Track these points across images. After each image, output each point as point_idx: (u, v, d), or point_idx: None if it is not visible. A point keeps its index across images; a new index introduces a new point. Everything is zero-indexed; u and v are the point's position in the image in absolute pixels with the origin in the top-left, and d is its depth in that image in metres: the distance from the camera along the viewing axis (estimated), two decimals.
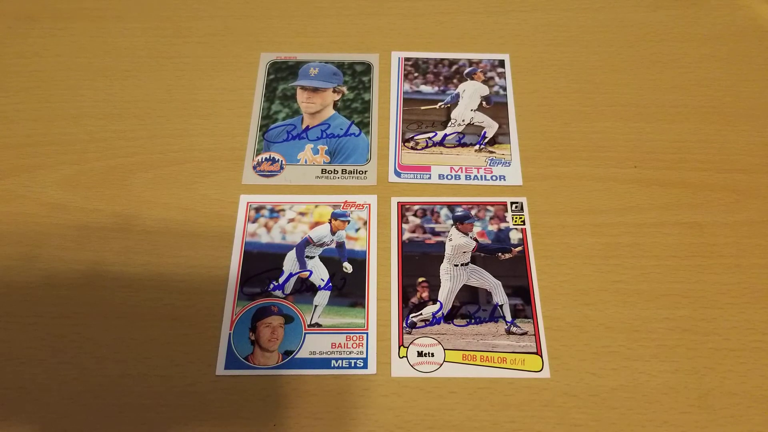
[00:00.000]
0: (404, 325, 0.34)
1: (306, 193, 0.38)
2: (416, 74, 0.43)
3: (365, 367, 0.32)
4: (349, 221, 0.37)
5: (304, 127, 0.41)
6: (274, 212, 0.37)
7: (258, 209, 0.37)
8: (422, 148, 0.40)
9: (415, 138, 0.40)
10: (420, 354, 0.33)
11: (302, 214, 0.37)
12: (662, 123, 0.41)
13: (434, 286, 0.35)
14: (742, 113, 0.41)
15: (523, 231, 0.37)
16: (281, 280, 0.35)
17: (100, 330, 0.33)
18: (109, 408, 0.31)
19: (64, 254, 0.35)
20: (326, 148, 0.40)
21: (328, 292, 0.35)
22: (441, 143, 0.40)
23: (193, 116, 0.41)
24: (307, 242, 0.36)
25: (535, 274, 0.35)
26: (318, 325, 0.34)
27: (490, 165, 0.39)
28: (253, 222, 0.37)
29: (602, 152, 0.40)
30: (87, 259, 0.35)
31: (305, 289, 0.35)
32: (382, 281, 0.35)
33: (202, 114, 0.41)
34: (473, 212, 0.37)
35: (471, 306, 0.34)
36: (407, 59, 0.44)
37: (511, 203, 0.38)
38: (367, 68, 0.43)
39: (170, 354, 0.33)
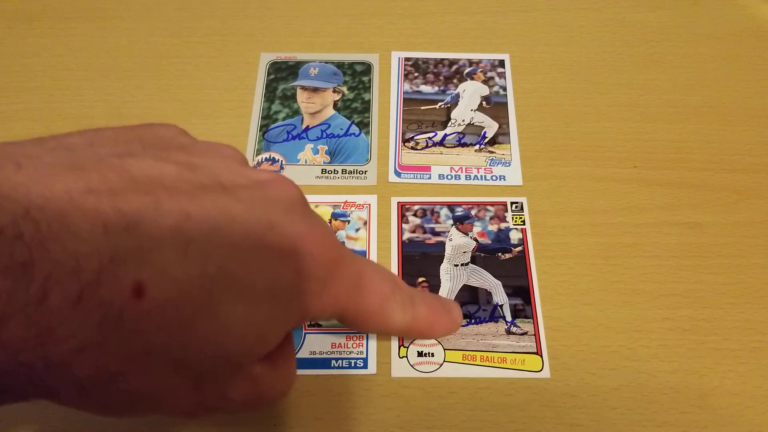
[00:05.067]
0: None
1: (306, 193, 0.38)
2: (416, 74, 0.43)
3: (365, 367, 0.32)
4: (349, 221, 0.37)
5: (304, 127, 0.41)
6: None
7: None
8: (422, 148, 0.40)
9: (415, 138, 0.40)
10: (420, 354, 0.33)
11: None
12: (662, 123, 0.41)
13: (434, 286, 0.35)
14: (742, 113, 0.41)
15: (523, 231, 0.37)
16: None
17: None
18: None
19: None
20: (326, 148, 0.40)
21: None
22: (441, 143, 0.40)
23: (193, 116, 0.41)
24: None
25: (535, 274, 0.35)
26: (318, 325, 0.34)
27: (490, 165, 0.39)
28: None
29: (602, 152, 0.40)
30: None
31: None
32: None
33: (202, 114, 0.41)
34: (473, 212, 0.37)
35: (471, 306, 0.34)
36: (407, 59, 0.44)
37: (511, 203, 0.38)
38: (367, 68, 0.43)
39: None
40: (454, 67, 0.44)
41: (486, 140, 0.40)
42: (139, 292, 0.16)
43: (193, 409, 0.21)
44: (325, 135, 0.40)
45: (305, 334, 0.33)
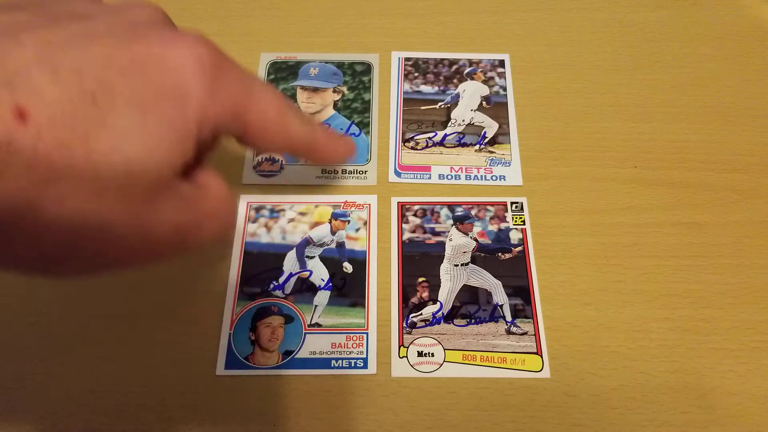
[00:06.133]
0: (404, 325, 0.34)
1: (306, 193, 0.38)
2: (416, 74, 0.43)
3: (365, 367, 0.32)
4: (349, 221, 0.37)
5: None
6: (275, 212, 0.37)
7: (258, 209, 0.37)
8: (422, 148, 0.40)
9: (415, 138, 0.40)
10: (420, 354, 0.33)
11: (302, 214, 0.37)
12: (662, 123, 0.41)
13: (434, 286, 0.35)
14: (742, 113, 0.41)
15: (523, 231, 0.37)
16: (281, 280, 0.35)
17: (100, 330, 0.33)
18: (109, 408, 0.31)
19: None
20: None
21: (328, 292, 0.35)
22: (441, 143, 0.40)
23: None
24: (307, 242, 0.36)
25: (535, 274, 0.35)
26: (318, 325, 0.34)
27: (490, 165, 0.39)
28: (254, 222, 0.37)
29: (602, 152, 0.40)
30: None
31: (305, 289, 0.35)
32: (382, 281, 0.35)
33: None
34: (473, 212, 0.37)
35: (471, 306, 0.34)
36: (407, 59, 0.44)
37: (511, 203, 0.38)
38: (367, 68, 0.43)
39: (170, 354, 0.33)
40: (454, 67, 0.44)
41: (486, 140, 0.40)
42: (21, 116, 0.17)
43: (139, 243, 0.21)
44: None
45: (305, 334, 0.33)
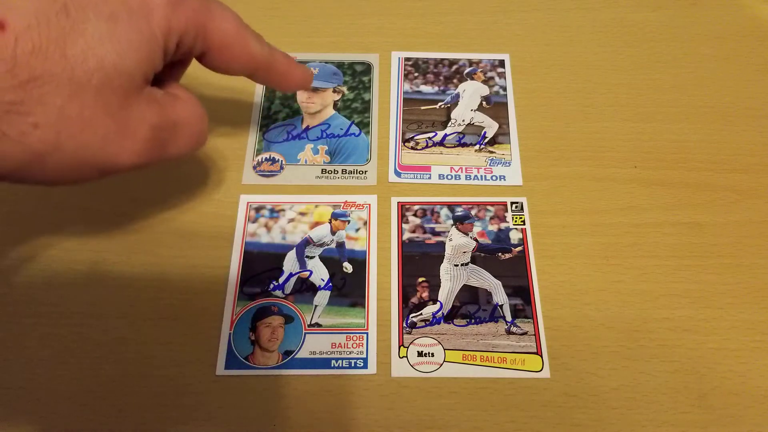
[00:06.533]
0: (404, 325, 0.34)
1: (306, 193, 0.38)
2: (416, 74, 0.43)
3: (365, 367, 0.32)
4: (349, 221, 0.37)
5: (304, 127, 0.41)
6: (274, 212, 0.37)
7: (258, 209, 0.37)
8: (422, 148, 0.40)
9: (415, 138, 0.40)
10: (420, 354, 0.33)
11: (302, 214, 0.37)
12: (662, 123, 0.41)
13: (434, 286, 0.35)
14: (742, 113, 0.41)
15: (523, 231, 0.37)
16: (281, 280, 0.35)
17: (100, 330, 0.33)
18: (109, 408, 0.31)
19: (64, 254, 0.36)
20: (326, 148, 0.40)
21: (328, 292, 0.35)
22: (441, 143, 0.40)
23: None
24: (307, 242, 0.36)
25: (535, 274, 0.35)
26: (318, 325, 0.34)
27: (490, 165, 0.39)
28: (253, 222, 0.37)
29: (602, 152, 0.40)
30: (87, 259, 0.35)
31: (305, 289, 0.35)
32: (382, 281, 0.35)
33: None
34: (473, 212, 0.37)
35: (471, 306, 0.34)
36: (407, 59, 0.44)
37: (511, 203, 0.38)
38: (367, 68, 0.43)
39: (170, 354, 0.33)
40: (454, 67, 0.44)
41: (486, 140, 0.40)
42: (1, 26, 0.19)
43: (119, 143, 0.22)
44: (325, 135, 0.40)
45: (305, 334, 0.33)
